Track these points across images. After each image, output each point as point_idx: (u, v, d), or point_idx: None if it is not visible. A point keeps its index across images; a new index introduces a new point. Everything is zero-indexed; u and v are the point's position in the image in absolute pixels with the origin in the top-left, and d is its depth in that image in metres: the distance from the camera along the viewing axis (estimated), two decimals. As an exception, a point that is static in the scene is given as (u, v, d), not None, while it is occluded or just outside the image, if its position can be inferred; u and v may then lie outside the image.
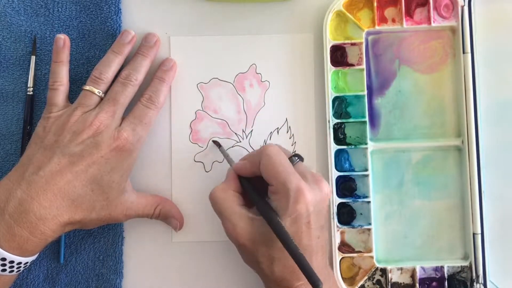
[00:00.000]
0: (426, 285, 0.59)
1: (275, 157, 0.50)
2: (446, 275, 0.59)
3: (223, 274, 0.60)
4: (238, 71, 0.60)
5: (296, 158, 0.53)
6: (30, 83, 0.59)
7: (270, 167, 0.50)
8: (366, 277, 0.59)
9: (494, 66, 0.60)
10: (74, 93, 0.59)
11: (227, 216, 0.51)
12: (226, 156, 0.58)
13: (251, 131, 0.60)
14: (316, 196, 0.49)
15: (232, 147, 0.60)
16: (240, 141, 0.60)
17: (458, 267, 0.59)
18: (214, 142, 0.60)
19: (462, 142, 0.59)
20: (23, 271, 0.54)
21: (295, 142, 0.60)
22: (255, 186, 0.53)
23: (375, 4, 0.59)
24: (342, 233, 0.59)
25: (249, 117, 0.60)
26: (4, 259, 0.49)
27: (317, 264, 0.49)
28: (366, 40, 0.60)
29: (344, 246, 0.59)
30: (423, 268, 0.59)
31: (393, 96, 0.60)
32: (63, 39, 0.57)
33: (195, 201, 0.60)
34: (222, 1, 0.60)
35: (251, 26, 0.61)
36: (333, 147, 0.59)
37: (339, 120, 0.59)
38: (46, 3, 0.60)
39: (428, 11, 0.59)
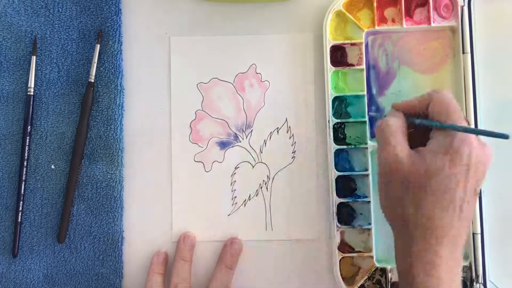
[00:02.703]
0: (426, 285, 0.59)
1: (452, 99, 0.48)
2: (446, 275, 0.59)
3: (223, 274, 0.60)
4: (238, 71, 0.60)
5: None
6: (31, 83, 0.59)
7: (445, 104, 0.48)
8: (366, 277, 0.58)
9: (494, 66, 0.60)
10: (73, 92, 0.60)
11: (394, 143, 0.48)
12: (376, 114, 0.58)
13: (251, 131, 0.60)
14: (480, 150, 0.46)
15: (232, 147, 0.60)
16: (240, 141, 0.60)
17: (458, 267, 0.59)
18: (370, 115, 0.59)
19: (462, 142, 0.59)
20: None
21: (295, 142, 0.60)
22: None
23: (375, 4, 0.59)
24: (342, 233, 0.59)
25: (249, 117, 0.60)
26: None
27: (464, 224, 0.46)
28: (366, 40, 0.60)
29: (344, 246, 0.59)
30: (423, 268, 0.59)
31: (393, 96, 0.60)
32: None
33: (194, 201, 0.60)
34: (222, 1, 0.60)
35: (251, 26, 0.61)
36: (333, 147, 0.59)
37: (339, 120, 0.59)
38: (47, 3, 0.60)
39: (428, 11, 0.59)
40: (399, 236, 0.48)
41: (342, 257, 0.59)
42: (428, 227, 0.45)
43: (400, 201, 0.47)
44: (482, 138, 0.47)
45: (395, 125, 0.49)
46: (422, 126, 0.49)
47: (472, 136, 0.46)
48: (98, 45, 0.59)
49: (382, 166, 0.48)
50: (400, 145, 0.48)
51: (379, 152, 0.49)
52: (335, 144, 0.59)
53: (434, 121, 0.48)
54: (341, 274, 0.58)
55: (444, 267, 0.45)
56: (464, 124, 0.47)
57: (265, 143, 0.60)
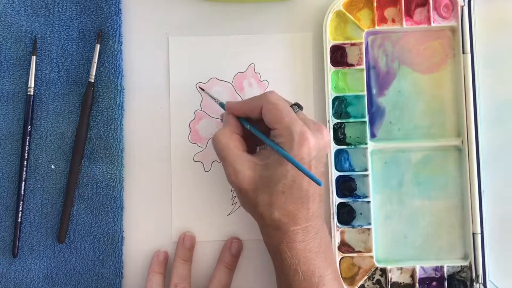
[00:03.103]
0: (426, 285, 0.59)
1: (279, 102, 0.51)
2: (446, 275, 0.59)
3: (223, 274, 0.60)
4: (236, 71, 0.60)
5: (296, 107, 0.53)
6: (31, 83, 0.59)
7: (274, 111, 0.50)
8: (366, 277, 0.58)
9: (494, 66, 0.60)
10: (73, 92, 0.60)
11: (231, 161, 0.51)
12: (215, 99, 0.58)
13: (250, 130, 0.60)
14: (318, 142, 0.50)
15: (232, 146, 0.60)
16: (240, 141, 0.60)
17: (458, 267, 0.59)
18: (200, 88, 0.60)
19: (462, 142, 0.59)
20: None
21: (294, 142, 0.60)
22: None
23: (375, 4, 0.59)
24: (342, 233, 0.59)
25: (248, 117, 0.60)
26: None
27: (313, 210, 0.51)
28: (366, 40, 0.60)
29: (344, 246, 0.59)
30: (423, 268, 0.59)
31: (393, 96, 0.60)
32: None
33: (194, 201, 0.60)
34: (222, 1, 0.60)
35: (250, 26, 0.61)
36: (333, 147, 0.59)
37: (339, 120, 0.59)
38: (47, 3, 0.60)
39: (428, 11, 0.59)
40: (262, 227, 0.53)
41: (342, 257, 0.59)
42: (283, 220, 0.50)
43: (254, 204, 0.51)
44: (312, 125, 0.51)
45: (226, 138, 0.52)
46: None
47: (307, 131, 0.49)
48: (98, 45, 0.59)
49: (228, 179, 0.52)
50: (237, 160, 0.51)
51: (223, 167, 0.53)
52: (335, 144, 0.59)
53: (260, 132, 0.52)
54: (341, 274, 0.58)
55: (302, 241, 0.51)
56: (295, 125, 0.49)
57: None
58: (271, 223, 0.51)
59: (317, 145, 0.50)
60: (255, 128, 0.53)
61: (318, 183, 0.48)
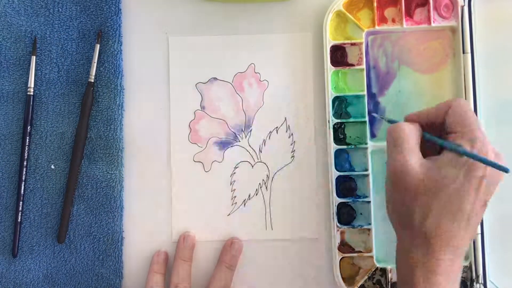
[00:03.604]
0: (426, 285, 0.59)
1: (469, 107, 0.48)
2: (446, 275, 0.59)
3: (223, 274, 0.60)
4: (236, 71, 0.60)
5: None
6: (30, 83, 0.59)
7: (462, 113, 0.47)
8: (366, 277, 0.58)
9: (494, 66, 0.60)
10: (73, 92, 0.60)
11: (405, 151, 0.47)
12: (383, 117, 0.57)
13: (250, 130, 0.60)
14: (493, 152, 0.46)
15: (231, 146, 0.60)
16: (239, 141, 0.60)
17: (458, 267, 0.59)
18: (372, 114, 0.59)
19: (462, 142, 0.59)
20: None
21: (294, 142, 0.60)
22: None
23: (375, 4, 0.59)
24: (342, 233, 0.59)
25: (248, 117, 0.60)
26: None
27: (469, 235, 0.46)
28: (366, 40, 0.60)
29: (344, 246, 0.59)
30: (423, 268, 0.59)
31: (393, 96, 0.60)
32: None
33: (194, 201, 0.60)
34: (222, 1, 0.60)
35: (250, 26, 0.61)
36: (333, 147, 0.59)
37: (339, 120, 0.59)
38: (46, 3, 0.60)
39: (428, 11, 0.59)
40: (401, 238, 0.48)
41: (342, 257, 0.59)
42: (433, 236, 0.46)
43: (406, 208, 0.47)
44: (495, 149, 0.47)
45: (410, 131, 0.48)
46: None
47: (490, 147, 0.46)
48: (98, 45, 0.59)
49: (391, 171, 0.48)
50: (412, 152, 0.47)
51: (389, 157, 0.48)
52: (335, 144, 0.59)
53: (445, 140, 0.48)
54: (341, 274, 0.58)
55: (444, 274, 0.45)
56: (480, 134, 0.46)
57: (265, 143, 0.60)
58: (420, 232, 0.46)
59: (494, 157, 0.46)
60: (436, 136, 0.49)
61: (505, 170, 0.44)
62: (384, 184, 0.49)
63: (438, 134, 0.49)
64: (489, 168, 0.45)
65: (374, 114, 0.59)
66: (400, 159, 0.47)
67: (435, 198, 0.46)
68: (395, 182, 0.48)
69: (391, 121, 0.52)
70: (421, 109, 0.51)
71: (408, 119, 0.51)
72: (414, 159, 0.47)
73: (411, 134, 0.48)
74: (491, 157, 0.45)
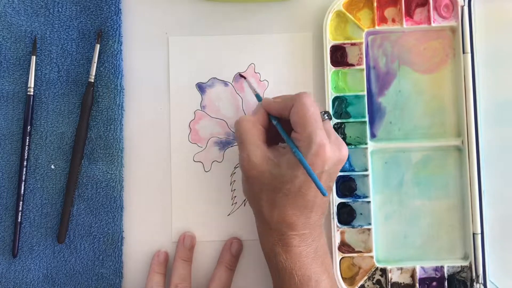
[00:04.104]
0: (426, 285, 0.59)
1: (309, 107, 0.50)
2: (446, 275, 0.59)
3: (223, 274, 0.60)
4: (236, 71, 0.60)
5: (326, 115, 0.53)
6: (30, 83, 0.59)
7: (301, 114, 0.50)
8: (366, 277, 0.58)
9: (494, 66, 0.60)
10: (73, 92, 0.60)
11: (248, 147, 0.51)
12: (253, 89, 0.58)
13: (250, 130, 0.60)
14: (334, 157, 0.50)
15: (231, 146, 0.60)
16: (240, 141, 0.60)
17: (458, 267, 0.59)
18: (241, 75, 0.60)
19: (462, 142, 0.59)
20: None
21: (294, 142, 0.60)
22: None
23: (375, 4, 0.59)
24: (342, 233, 0.59)
25: (248, 117, 0.60)
26: None
27: (313, 220, 0.51)
28: (366, 40, 0.60)
29: (344, 246, 0.59)
30: (423, 268, 0.59)
31: (393, 96, 0.60)
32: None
33: (194, 201, 0.60)
34: (222, 1, 0.60)
35: (250, 26, 0.61)
36: (333, 147, 0.59)
37: (339, 120, 0.59)
38: (46, 3, 0.60)
39: (428, 11, 0.59)
40: (260, 223, 0.54)
41: (342, 257, 0.59)
42: (282, 225, 0.51)
43: (257, 197, 0.52)
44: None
45: (251, 127, 0.52)
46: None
47: (326, 144, 0.49)
48: (98, 45, 0.59)
49: (240, 165, 0.52)
50: (255, 147, 0.51)
51: (239, 151, 0.53)
52: (335, 144, 0.59)
53: (288, 137, 0.51)
54: (341, 274, 0.58)
55: (299, 245, 0.51)
56: (318, 136, 0.49)
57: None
58: (269, 221, 0.51)
59: (332, 159, 0.49)
60: (281, 125, 0.53)
61: (323, 194, 0.48)
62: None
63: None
64: (327, 163, 0.49)
65: (245, 78, 0.60)
66: (245, 156, 0.52)
67: (278, 193, 0.50)
68: (244, 175, 0.53)
69: (257, 96, 0.57)
70: (277, 97, 0.54)
71: (263, 104, 0.54)
72: (257, 155, 0.51)
73: (253, 130, 0.52)
74: (327, 156, 0.49)
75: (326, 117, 0.53)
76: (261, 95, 0.59)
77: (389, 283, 0.58)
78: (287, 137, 0.51)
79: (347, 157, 0.51)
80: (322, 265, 0.52)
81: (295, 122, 0.50)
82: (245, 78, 0.60)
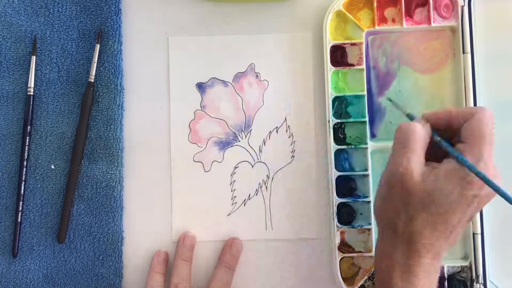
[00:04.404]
0: (426, 285, 0.59)
1: (487, 121, 0.47)
2: (446, 275, 0.59)
3: (223, 274, 0.60)
4: (236, 71, 0.60)
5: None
6: (30, 83, 0.59)
7: (482, 127, 0.46)
8: (366, 277, 0.58)
9: (494, 66, 0.60)
10: (73, 92, 0.60)
11: (412, 153, 0.47)
12: (401, 109, 0.54)
13: (250, 130, 0.60)
14: (492, 176, 0.45)
15: (231, 146, 0.60)
16: (239, 141, 0.60)
17: (458, 267, 0.59)
18: (389, 99, 0.57)
19: (462, 142, 0.59)
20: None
21: (294, 142, 0.60)
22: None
23: (375, 4, 0.59)
24: (342, 233, 0.59)
25: (248, 117, 0.60)
26: None
27: (444, 246, 0.47)
28: (366, 40, 0.60)
29: (344, 246, 0.59)
30: (423, 268, 0.59)
31: (393, 96, 0.60)
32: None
33: (194, 201, 0.60)
34: (222, 1, 0.60)
35: (250, 26, 0.61)
36: (333, 147, 0.59)
37: (339, 120, 0.59)
38: (46, 3, 0.60)
39: (428, 11, 0.59)
40: (383, 236, 0.49)
41: (342, 257, 0.59)
42: (414, 241, 0.46)
43: (395, 209, 0.47)
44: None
45: (420, 135, 0.47)
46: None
47: (491, 165, 0.45)
48: (98, 45, 0.59)
49: (391, 170, 0.48)
50: (417, 157, 0.47)
51: (393, 155, 0.48)
52: (335, 144, 0.59)
53: (452, 148, 0.47)
54: (341, 274, 0.58)
55: (421, 276, 0.46)
56: (487, 155, 0.45)
57: (264, 143, 0.60)
58: (400, 235, 0.47)
59: (490, 190, 0.45)
60: (447, 141, 0.48)
61: (510, 201, 0.44)
62: (379, 180, 0.50)
63: (449, 136, 0.48)
64: (484, 188, 0.45)
65: (392, 100, 0.56)
66: (404, 162, 0.47)
67: (425, 208, 0.46)
68: (392, 181, 0.48)
69: (409, 115, 0.52)
70: (442, 109, 0.50)
71: (425, 117, 0.49)
72: (417, 164, 0.47)
73: (421, 138, 0.47)
74: (489, 175, 0.45)
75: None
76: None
77: (389, 283, 0.58)
78: (451, 149, 0.47)
79: (498, 193, 0.46)
80: None
81: (469, 133, 0.47)
82: (391, 100, 0.56)
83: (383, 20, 0.60)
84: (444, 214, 0.45)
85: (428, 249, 0.46)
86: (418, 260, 0.46)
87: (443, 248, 0.47)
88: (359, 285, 0.58)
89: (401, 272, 0.46)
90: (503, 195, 0.44)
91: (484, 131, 0.46)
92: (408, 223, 0.46)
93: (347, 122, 0.60)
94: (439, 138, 0.48)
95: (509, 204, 0.44)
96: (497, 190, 0.44)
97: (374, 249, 0.50)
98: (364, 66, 0.59)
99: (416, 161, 0.47)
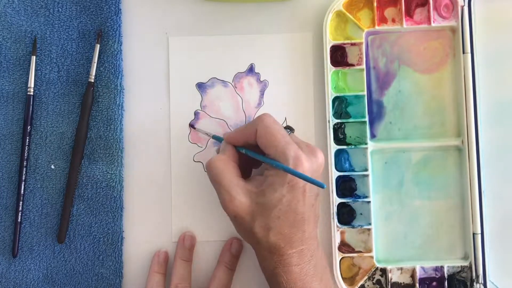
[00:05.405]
0: (426, 285, 0.59)
1: (273, 126, 0.51)
2: (446, 275, 0.59)
3: (223, 274, 0.60)
4: (236, 71, 0.60)
5: (288, 130, 0.55)
6: (30, 83, 0.59)
7: (268, 136, 0.51)
8: (366, 277, 0.58)
9: (494, 66, 0.60)
10: (73, 92, 0.60)
11: (227, 187, 0.51)
12: (207, 133, 0.59)
13: (250, 130, 0.60)
14: (312, 165, 0.50)
15: (231, 146, 0.60)
16: (240, 141, 0.60)
17: (458, 267, 0.59)
18: (191, 126, 0.60)
19: (462, 142, 0.59)
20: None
21: (294, 142, 0.60)
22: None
23: (375, 4, 0.59)
24: (342, 233, 0.59)
25: (248, 117, 0.60)
26: None
27: (308, 232, 0.51)
28: (366, 40, 0.60)
29: (344, 246, 0.59)
30: (423, 268, 0.59)
31: (393, 96, 0.60)
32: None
33: (194, 201, 0.60)
34: (222, 1, 0.60)
35: (250, 26, 0.61)
36: (333, 147, 0.59)
37: (339, 120, 0.59)
38: (46, 3, 0.60)
39: (428, 11, 0.59)
40: (258, 250, 0.53)
41: (342, 257, 0.59)
42: (278, 245, 0.50)
43: (249, 231, 0.51)
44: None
45: (223, 167, 0.52)
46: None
47: (301, 155, 0.49)
48: (98, 45, 0.59)
49: (223, 206, 0.52)
50: (233, 186, 0.51)
51: (217, 193, 0.52)
52: (335, 144, 0.59)
53: (257, 154, 0.52)
54: (341, 274, 0.58)
55: (298, 263, 0.51)
56: (290, 149, 0.49)
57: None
58: (267, 246, 0.51)
59: (311, 168, 0.50)
60: (251, 151, 0.53)
61: (321, 186, 0.47)
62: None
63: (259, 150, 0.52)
64: (309, 169, 0.49)
65: (197, 129, 0.60)
66: (226, 198, 0.51)
67: (269, 217, 0.50)
68: (231, 216, 0.52)
69: (215, 138, 0.57)
70: (236, 129, 0.55)
71: (225, 139, 0.54)
72: (239, 192, 0.51)
73: (227, 168, 0.52)
74: (305, 167, 0.49)
75: (289, 132, 0.54)
76: (216, 134, 0.59)
77: (389, 283, 0.58)
78: (262, 156, 0.51)
79: (323, 159, 0.52)
80: (321, 282, 0.52)
81: (265, 144, 0.51)
82: (194, 127, 0.60)
83: (383, 20, 0.60)
84: (289, 214, 0.50)
85: (291, 243, 0.50)
86: (287, 254, 0.50)
87: (309, 232, 0.51)
88: (359, 285, 0.58)
89: (280, 268, 0.51)
90: (320, 185, 0.48)
91: (272, 135, 0.50)
92: (265, 235, 0.50)
93: (347, 122, 0.60)
94: (243, 150, 0.53)
95: (321, 187, 0.48)
96: (316, 183, 0.48)
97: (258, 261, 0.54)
98: (364, 66, 0.59)
99: (234, 190, 0.51)
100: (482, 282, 0.58)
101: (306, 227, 0.51)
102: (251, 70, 0.60)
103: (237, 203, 0.51)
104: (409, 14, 0.60)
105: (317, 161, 0.51)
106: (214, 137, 0.58)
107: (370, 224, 0.59)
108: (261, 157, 0.52)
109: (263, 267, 0.53)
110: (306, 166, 0.49)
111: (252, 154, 0.52)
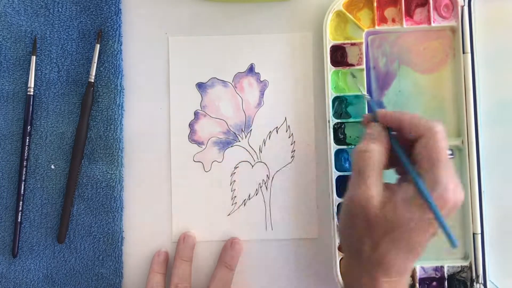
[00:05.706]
0: (426, 285, 0.59)
1: (442, 143, 0.46)
2: (446, 275, 0.59)
3: (223, 274, 0.60)
4: (236, 71, 0.60)
5: (451, 152, 0.50)
6: (30, 83, 0.59)
7: (434, 149, 0.45)
8: (366, 277, 0.58)
9: (494, 66, 0.60)
10: (73, 92, 0.60)
11: (369, 180, 0.46)
12: (364, 94, 0.54)
13: (250, 130, 0.60)
14: (454, 201, 0.45)
15: (231, 146, 0.60)
16: (239, 141, 0.60)
17: (458, 267, 0.59)
18: (352, 74, 0.58)
19: (462, 142, 0.59)
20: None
21: (294, 142, 0.60)
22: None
23: (375, 4, 0.59)
24: (342, 233, 0.59)
25: (248, 117, 0.60)
26: None
27: (407, 266, 0.47)
28: (366, 40, 0.60)
29: (344, 246, 0.59)
30: (423, 268, 0.59)
31: (393, 96, 0.60)
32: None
33: (194, 201, 0.60)
34: (222, 1, 0.60)
35: (250, 26, 0.61)
36: (333, 147, 0.59)
37: (339, 120, 0.59)
38: (46, 3, 0.60)
39: (428, 11, 0.59)
40: (350, 262, 0.50)
41: (342, 257, 0.58)
42: (381, 264, 0.46)
43: (358, 236, 0.47)
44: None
45: (376, 157, 0.47)
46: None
47: (451, 187, 0.44)
48: (98, 45, 0.59)
49: (350, 199, 0.48)
50: (375, 183, 0.47)
51: (351, 183, 0.48)
52: (335, 144, 0.59)
53: (411, 168, 0.46)
54: (341, 274, 0.58)
55: None
56: (444, 177, 0.44)
57: (265, 143, 0.60)
58: (365, 262, 0.47)
59: (451, 205, 0.45)
60: (403, 153, 0.48)
61: (454, 245, 0.44)
62: (341, 208, 0.49)
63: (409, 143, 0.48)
64: (448, 206, 0.45)
65: (355, 77, 0.58)
66: (362, 191, 0.46)
67: (387, 235, 0.46)
68: (353, 211, 0.47)
69: (367, 99, 0.53)
70: (398, 112, 0.50)
71: (381, 115, 0.50)
72: (375, 193, 0.46)
73: (378, 163, 0.47)
74: (450, 201, 0.44)
75: (451, 155, 0.49)
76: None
77: (389, 283, 0.58)
78: (410, 169, 0.46)
79: (462, 199, 0.46)
80: None
81: (422, 155, 0.46)
82: (355, 76, 0.57)
83: (383, 20, 0.60)
84: (407, 237, 0.45)
85: (392, 269, 0.46)
86: (382, 279, 0.46)
87: (409, 266, 0.47)
88: (359, 285, 0.58)
89: None
90: (446, 234, 0.44)
91: (441, 156, 0.45)
92: (372, 249, 0.46)
93: (347, 122, 0.60)
94: (400, 152, 0.48)
95: (453, 246, 0.45)
96: (442, 227, 0.44)
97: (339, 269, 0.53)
98: (364, 66, 0.59)
99: (374, 189, 0.46)
100: (482, 282, 0.58)
101: (410, 258, 0.47)
102: (251, 70, 0.60)
103: (369, 201, 0.46)
104: (409, 14, 0.60)
105: (458, 198, 0.45)
106: (368, 102, 0.51)
107: (370, 224, 0.58)
108: (409, 166, 0.47)
109: (348, 274, 0.51)
110: (451, 200, 0.44)
111: (402, 158, 0.47)
